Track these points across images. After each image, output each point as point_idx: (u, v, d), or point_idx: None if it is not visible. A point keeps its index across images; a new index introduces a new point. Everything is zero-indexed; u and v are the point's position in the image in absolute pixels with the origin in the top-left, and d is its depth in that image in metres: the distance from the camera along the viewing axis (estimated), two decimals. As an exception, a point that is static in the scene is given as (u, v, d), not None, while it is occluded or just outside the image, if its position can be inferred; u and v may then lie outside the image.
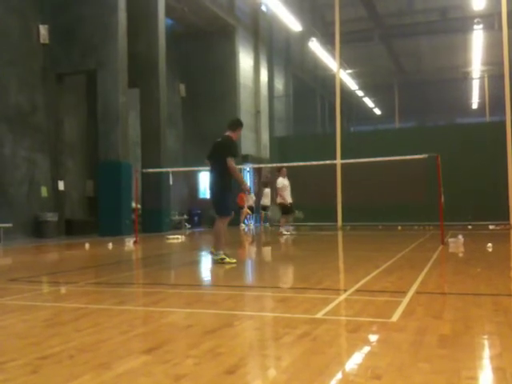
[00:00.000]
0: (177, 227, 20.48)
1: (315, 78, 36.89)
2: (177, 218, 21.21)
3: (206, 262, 9.21)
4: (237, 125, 8.12)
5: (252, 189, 22.83)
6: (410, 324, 3.64)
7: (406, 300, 4.47)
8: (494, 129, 20.46)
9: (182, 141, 24.11)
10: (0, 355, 3.07)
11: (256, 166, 23.84)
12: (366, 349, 3.15)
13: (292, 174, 15.63)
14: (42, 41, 16.46)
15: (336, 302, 4.59)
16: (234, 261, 7.77)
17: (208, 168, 8.23)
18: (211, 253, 8.03)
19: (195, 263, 8.96)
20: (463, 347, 3.08)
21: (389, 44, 34.93)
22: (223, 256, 7.73)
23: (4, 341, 3.48)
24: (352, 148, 17.56)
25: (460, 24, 31.02)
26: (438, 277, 6.45)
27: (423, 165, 12.32)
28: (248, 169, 24.42)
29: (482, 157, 18.44)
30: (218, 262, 7.70)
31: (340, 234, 15.89)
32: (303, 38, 30.02)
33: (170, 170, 17.30)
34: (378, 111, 45.69)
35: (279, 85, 31.54)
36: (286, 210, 15.14)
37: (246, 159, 23.65)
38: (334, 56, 23.18)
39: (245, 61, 26.01)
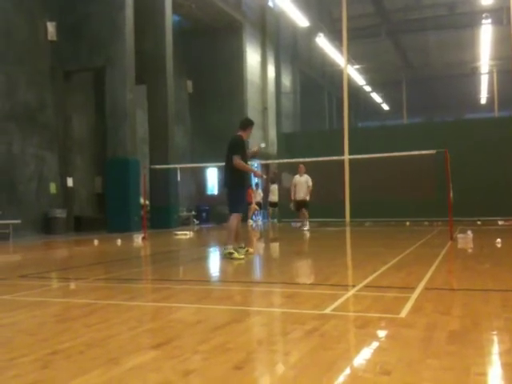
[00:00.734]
0: (185, 223, 20.53)
1: (322, 74, 36.79)
2: (185, 214, 21.25)
3: (214, 258, 9.23)
4: (246, 124, 8.30)
5: (260, 185, 22.83)
6: (418, 320, 3.64)
7: (414, 296, 4.46)
8: (502, 124, 20.34)
9: (189, 137, 24.14)
10: (10, 351, 3.10)
11: (263, 162, 23.82)
12: (375, 344, 3.15)
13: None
14: (49, 38, 16.51)
15: (344, 297, 4.58)
16: (242, 257, 7.81)
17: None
18: (226, 250, 7.99)
19: (203, 259, 8.98)
20: (472, 343, 3.07)
21: (396, 39, 34.79)
22: (231, 250, 7.78)
23: (14, 337, 3.51)
24: (360, 144, 17.50)
25: (468, 19, 30.82)
26: (447, 273, 6.42)
27: (432, 160, 12.26)
28: (255, 165, 24.41)
29: (491, 152, 18.32)
30: (226, 257, 7.74)
31: (348, 229, 15.86)
32: (310, 33, 29.93)
33: (177, 166, 17.35)
34: (385, 107, 45.53)
35: (286, 81, 31.48)
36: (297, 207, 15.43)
37: (253, 156, 23.63)
38: (341, 52, 23.10)
39: (252, 57, 25.99)
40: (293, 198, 15.40)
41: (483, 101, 41.39)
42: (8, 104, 15.14)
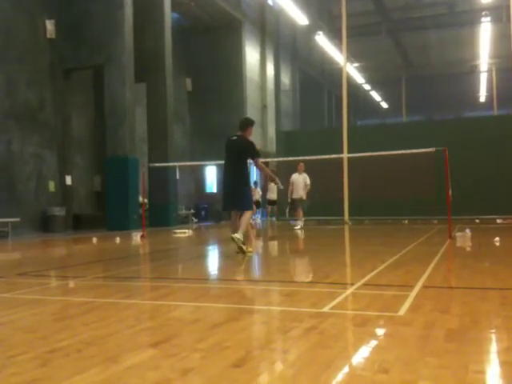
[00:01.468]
0: (184, 221, 20.53)
1: (322, 72, 36.78)
2: (184, 212, 21.25)
3: (212, 256, 9.24)
4: (247, 124, 8.36)
5: (258, 183, 22.82)
6: (417, 318, 3.64)
7: (413, 294, 4.46)
8: (501, 122, 20.36)
9: (188, 135, 24.14)
10: (9, 349, 3.10)
11: (262, 160, 23.78)
12: (373, 343, 3.15)
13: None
14: (48, 36, 16.49)
15: (343, 296, 4.58)
16: (251, 250, 7.97)
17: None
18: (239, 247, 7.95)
19: (202, 257, 8.98)
20: (471, 341, 3.07)
21: (396, 37, 34.78)
22: (243, 245, 7.82)
23: (13, 334, 3.51)
24: (359, 142, 17.49)
25: (468, 17, 30.82)
26: (446, 271, 6.43)
27: (431, 158, 12.27)
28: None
29: (490, 150, 18.33)
30: (239, 246, 7.76)
31: (347, 228, 15.87)
32: (310, 31, 29.92)
33: (176, 164, 17.32)
34: (385, 105, 45.52)
35: (286, 79, 31.47)
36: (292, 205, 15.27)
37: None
38: (340, 50, 23.10)
39: (251, 55, 25.97)
40: (290, 197, 15.17)
41: (482, 99, 41.38)
42: (7, 102, 15.13)
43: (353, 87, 32.86)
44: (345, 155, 16.53)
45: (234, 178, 8.03)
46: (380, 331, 3.42)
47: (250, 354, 2.96)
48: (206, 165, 21.78)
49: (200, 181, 24.24)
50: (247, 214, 7.99)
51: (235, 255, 7.83)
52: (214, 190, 23.96)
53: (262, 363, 2.86)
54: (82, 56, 16.79)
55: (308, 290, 5.00)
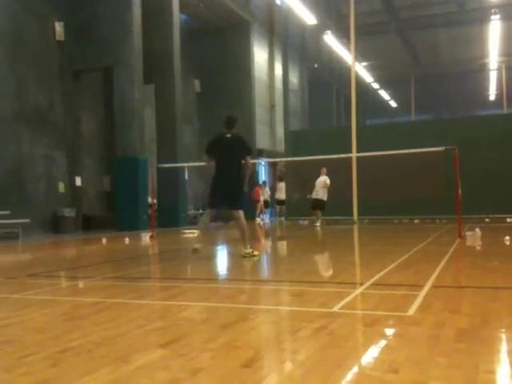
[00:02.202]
0: (193, 222, 20.55)
1: (330, 72, 36.70)
2: (192, 212, 21.28)
3: (222, 257, 9.25)
4: (235, 121, 8.18)
5: (267, 183, 22.82)
6: (426, 318, 3.62)
7: (422, 294, 4.45)
8: (511, 120, 20.21)
9: (197, 136, 24.16)
10: (20, 349, 3.12)
11: (271, 160, 23.81)
12: (383, 343, 3.14)
13: (307, 168, 15.64)
14: (57, 38, 16.58)
15: (352, 295, 4.57)
16: (258, 253, 7.89)
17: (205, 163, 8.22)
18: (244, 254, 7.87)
19: (211, 257, 8.99)
20: (481, 341, 3.05)
21: (405, 36, 34.63)
22: (250, 250, 7.77)
23: (24, 335, 3.53)
24: (368, 141, 17.44)
25: (477, 15, 30.63)
26: (455, 270, 6.40)
27: (440, 157, 12.21)
28: (263, 163, 24.42)
29: (500, 149, 18.22)
30: (246, 257, 7.68)
31: (356, 227, 15.83)
32: (318, 31, 29.88)
33: (185, 165, 17.38)
34: (393, 104, 45.36)
35: (294, 79, 31.44)
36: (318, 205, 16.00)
37: (260, 153, 23.64)
38: (349, 49, 23.05)
39: (259, 55, 25.97)
40: (310, 196, 16.14)
41: (492, 97, 41.14)
42: (17, 104, 15.23)
43: (361, 86, 32.77)
44: (354, 154, 16.48)
45: (233, 178, 7.88)
46: (389, 331, 3.41)
47: (260, 354, 2.96)
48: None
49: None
50: (242, 214, 7.90)
51: (243, 257, 7.80)
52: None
53: (271, 363, 2.86)
54: (91, 58, 16.86)
55: (317, 290, 5.00)
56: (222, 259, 8.96)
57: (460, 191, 10.26)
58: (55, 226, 15.87)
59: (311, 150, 17.72)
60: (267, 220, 21.83)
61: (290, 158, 19.72)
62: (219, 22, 23.52)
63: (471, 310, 3.88)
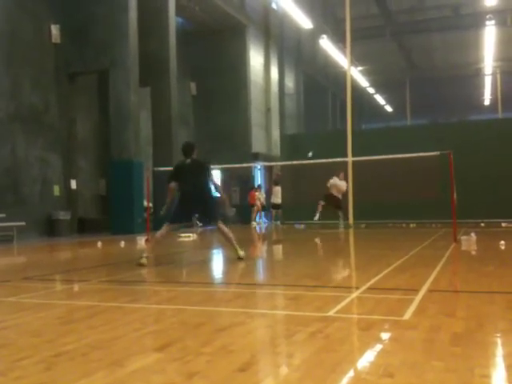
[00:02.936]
0: (188, 226, 20.49)
1: (326, 76, 36.77)
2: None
3: (217, 260, 9.24)
4: (193, 148, 8.62)
5: (263, 187, 22.80)
6: (422, 322, 3.63)
7: (418, 298, 4.45)
8: (506, 125, 20.30)
9: (193, 139, 24.11)
10: (15, 352, 3.11)
11: (267, 163, 23.81)
12: (379, 347, 3.14)
13: (303, 172, 15.65)
14: (53, 40, 16.56)
15: (348, 299, 4.58)
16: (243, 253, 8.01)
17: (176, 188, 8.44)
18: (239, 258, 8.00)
19: (207, 261, 8.99)
20: (476, 345, 3.06)
21: (400, 41, 34.73)
22: (242, 252, 7.93)
23: (18, 338, 3.52)
24: (363, 145, 17.48)
25: (472, 20, 30.75)
26: (451, 275, 6.41)
27: (435, 162, 12.24)
28: (259, 167, 24.42)
29: (495, 153, 18.28)
30: (242, 258, 7.84)
31: (352, 231, 15.84)
32: (314, 35, 29.93)
33: (181, 168, 17.29)
34: (389, 108, 45.48)
35: (290, 82, 31.48)
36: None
37: (256, 157, 23.64)
38: (345, 53, 23.10)
39: (255, 59, 25.98)
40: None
41: (487, 102, 41.31)
42: (12, 106, 15.19)
43: (357, 90, 32.84)
44: (349, 159, 16.50)
45: (200, 195, 8.14)
46: (385, 335, 3.41)
47: (255, 357, 2.96)
48: (212, 168, 21.79)
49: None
50: (221, 224, 8.14)
51: (240, 260, 7.82)
52: (218, 194, 23.91)
53: (266, 367, 2.86)
54: (86, 60, 16.84)
55: (313, 294, 5.00)
56: (217, 263, 8.95)
57: (455, 195, 10.29)
58: (50, 228, 15.82)
59: (307, 154, 17.75)
60: (262, 224, 21.81)
61: (285, 162, 19.72)
62: (215, 25, 23.54)
63: (466, 314, 3.88)
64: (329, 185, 16.11)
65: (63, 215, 16.01)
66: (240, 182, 22.64)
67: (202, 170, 8.36)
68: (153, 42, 18.31)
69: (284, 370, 2.78)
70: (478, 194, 17.50)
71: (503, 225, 16.20)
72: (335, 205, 16.11)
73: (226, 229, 8.15)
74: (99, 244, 12.05)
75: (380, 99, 42.70)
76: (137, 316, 4.15)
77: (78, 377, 2.63)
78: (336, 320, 3.76)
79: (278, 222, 21.28)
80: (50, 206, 16.04)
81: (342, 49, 26.23)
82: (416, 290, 4.79)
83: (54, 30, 16.60)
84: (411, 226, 17.17)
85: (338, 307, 4.20)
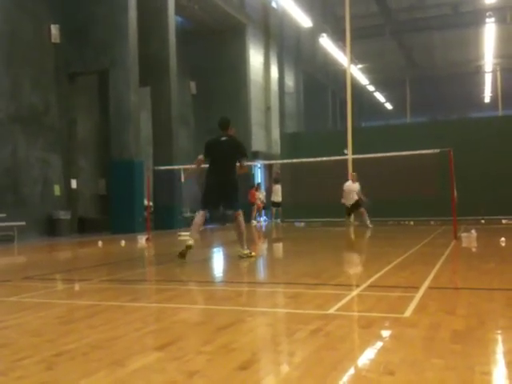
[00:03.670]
0: (189, 224, 20.51)
1: (326, 74, 36.76)
2: (189, 215, 21.24)
3: (218, 259, 9.25)
4: (228, 122, 8.21)
5: (262, 185, 22.81)
6: (422, 319, 3.63)
7: (418, 295, 4.45)
8: (506, 122, 20.28)
9: (193, 138, 24.14)
10: (15, 352, 3.11)
11: (267, 162, 23.82)
12: (379, 344, 3.15)
13: (303, 170, 15.62)
14: (53, 40, 16.54)
15: (348, 297, 4.58)
16: (254, 254, 7.95)
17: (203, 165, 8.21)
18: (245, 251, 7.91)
19: (207, 260, 8.99)
20: (477, 342, 3.06)
21: (400, 39, 34.71)
22: (247, 251, 7.83)
23: (19, 338, 3.52)
24: (363, 143, 17.47)
25: (472, 18, 30.75)
26: (451, 272, 6.41)
27: (436, 159, 12.24)
28: (259, 165, 24.43)
29: (495, 151, 18.27)
30: (243, 257, 7.73)
31: (352, 229, 15.84)
32: (314, 34, 29.92)
33: (181, 167, 17.34)
34: (389, 106, 45.45)
35: (290, 81, 31.47)
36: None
37: (256, 156, 23.63)
38: (344, 51, 23.09)
39: (255, 58, 25.98)
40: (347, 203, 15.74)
41: (487, 99, 41.28)
42: (13, 106, 15.19)
43: (357, 89, 32.80)
44: (349, 156, 16.50)
45: (228, 179, 7.87)
46: (385, 333, 3.42)
47: (256, 356, 2.96)
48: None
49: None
50: (240, 215, 7.90)
51: (240, 258, 7.82)
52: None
53: (267, 365, 2.86)
54: (86, 60, 16.83)
55: (313, 292, 5.00)
56: (217, 261, 8.96)
57: (455, 193, 10.28)
58: (51, 228, 15.82)
59: (307, 152, 17.74)
60: (263, 222, 21.81)
61: (285, 161, 19.71)
62: (215, 25, 23.53)
63: (467, 312, 3.89)
64: (346, 189, 15.69)
65: (63, 215, 16.02)
66: (240, 180, 22.64)
67: (237, 151, 7.96)
68: (153, 41, 18.30)
69: (285, 368, 2.78)
70: (478, 191, 17.47)
71: (503, 222, 16.21)
72: (357, 206, 15.81)
73: (242, 222, 7.91)
74: (100, 243, 12.04)
75: (380, 97, 42.68)
76: (137, 315, 4.16)
77: (78, 376, 2.64)
78: (336, 318, 3.77)
79: (278, 220, 21.30)
80: (50, 206, 16.04)
81: (342, 47, 26.22)
82: (416, 288, 4.79)
83: (54, 29, 16.58)
84: (411, 223, 17.17)
85: (339, 305, 4.20)
